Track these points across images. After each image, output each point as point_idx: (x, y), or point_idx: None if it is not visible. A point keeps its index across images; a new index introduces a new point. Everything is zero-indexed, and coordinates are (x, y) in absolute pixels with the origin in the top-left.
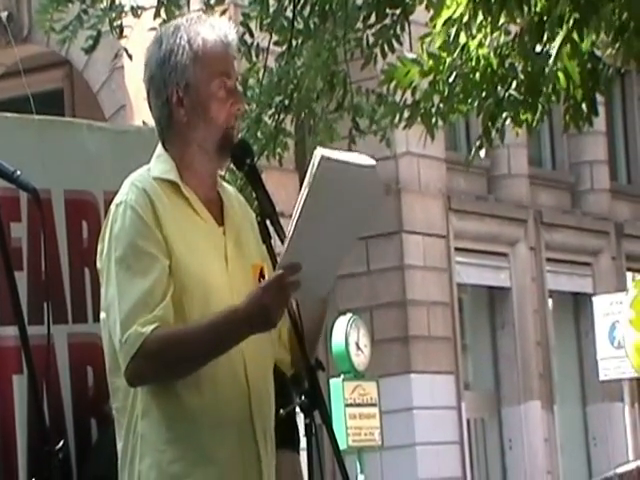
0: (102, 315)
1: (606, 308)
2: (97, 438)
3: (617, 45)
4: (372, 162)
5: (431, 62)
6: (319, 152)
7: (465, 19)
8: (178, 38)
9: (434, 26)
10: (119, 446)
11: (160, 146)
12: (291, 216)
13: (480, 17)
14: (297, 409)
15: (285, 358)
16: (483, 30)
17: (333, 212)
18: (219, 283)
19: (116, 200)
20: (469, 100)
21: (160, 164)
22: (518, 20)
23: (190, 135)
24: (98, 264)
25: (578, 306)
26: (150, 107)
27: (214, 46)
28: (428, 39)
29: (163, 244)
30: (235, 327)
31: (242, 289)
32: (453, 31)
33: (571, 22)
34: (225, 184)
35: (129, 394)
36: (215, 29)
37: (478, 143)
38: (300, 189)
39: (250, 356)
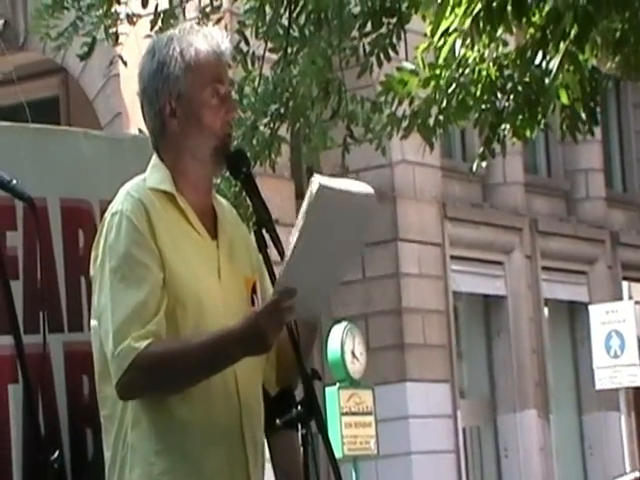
0: (93, 322)
1: (602, 317)
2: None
3: (616, 58)
4: (370, 190)
5: (429, 73)
6: (317, 180)
7: (464, 30)
8: (171, 49)
9: (432, 36)
10: (107, 454)
11: (155, 156)
12: (285, 224)
13: (480, 28)
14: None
15: (270, 376)
16: (482, 41)
17: (329, 238)
18: (212, 296)
19: (111, 209)
20: (467, 111)
21: (155, 174)
22: (515, 31)
23: (184, 144)
24: (91, 271)
25: (574, 314)
26: (144, 118)
27: (206, 56)
28: (424, 47)
29: (158, 255)
30: (229, 349)
31: (234, 302)
32: (458, 44)
33: (571, 36)
34: (219, 197)
35: (118, 403)
36: (208, 39)
37: (480, 154)
38: (295, 197)
39: (241, 368)
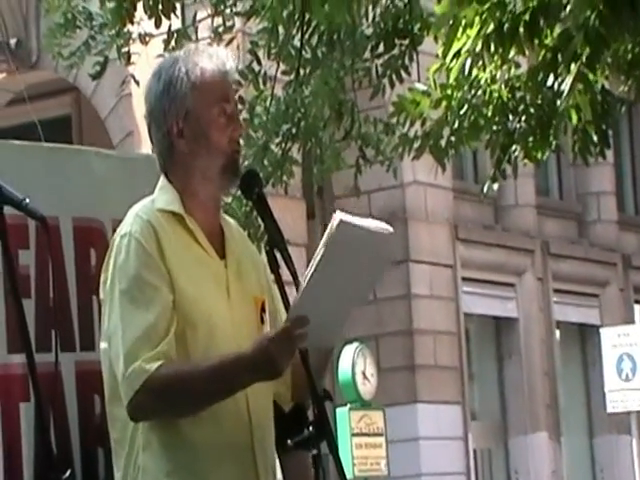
0: (103, 345)
1: (614, 340)
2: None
3: (629, 81)
4: (388, 228)
5: (441, 94)
6: (338, 216)
7: (477, 51)
8: (176, 70)
9: (444, 57)
10: (117, 476)
11: (163, 177)
12: (296, 244)
13: (491, 49)
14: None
15: (284, 393)
16: (494, 62)
17: (345, 272)
18: (222, 316)
19: (120, 231)
20: (479, 132)
21: (164, 195)
22: (528, 53)
23: (192, 164)
24: (101, 294)
25: (585, 337)
26: (152, 140)
27: (212, 75)
28: (436, 69)
29: (167, 276)
30: (240, 374)
31: (244, 321)
32: (468, 64)
33: (583, 58)
34: (226, 217)
35: (129, 425)
36: (213, 58)
37: (491, 176)
38: (306, 217)
39: (252, 389)
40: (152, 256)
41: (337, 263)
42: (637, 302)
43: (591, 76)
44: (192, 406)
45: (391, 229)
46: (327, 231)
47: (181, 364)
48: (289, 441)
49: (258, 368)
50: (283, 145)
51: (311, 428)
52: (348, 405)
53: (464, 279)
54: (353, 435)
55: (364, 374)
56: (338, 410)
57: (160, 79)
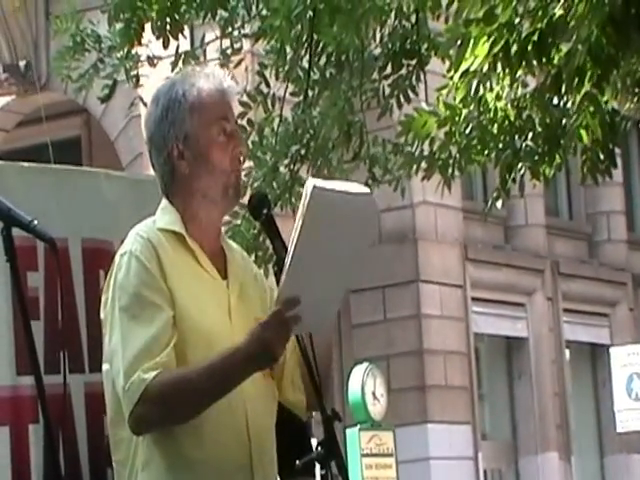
0: (105, 367)
1: (624, 359)
2: None
3: (636, 99)
4: (366, 190)
5: (448, 112)
6: (311, 182)
7: (484, 71)
8: (174, 93)
9: (451, 77)
10: None
11: (165, 199)
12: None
13: (499, 69)
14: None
15: (300, 401)
16: (501, 82)
17: (329, 242)
18: (222, 336)
19: (120, 250)
20: (486, 151)
21: (165, 215)
22: (536, 72)
23: (194, 186)
24: (102, 314)
25: (595, 357)
26: (153, 167)
27: (209, 94)
28: (445, 90)
29: (168, 294)
30: (237, 365)
31: None
32: (474, 84)
33: (593, 78)
34: (229, 240)
35: (131, 445)
36: (210, 78)
37: (495, 194)
38: None
39: (252, 408)
40: (152, 274)
41: (319, 234)
42: None
43: (600, 97)
44: (192, 407)
45: (368, 190)
46: (302, 200)
47: (178, 369)
48: (297, 462)
49: (254, 356)
50: (292, 166)
51: (320, 448)
52: (358, 426)
53: (474, 299)
54: (363, 456)
55: (374, 394)
56: (348, 430)
57: (158, 104)
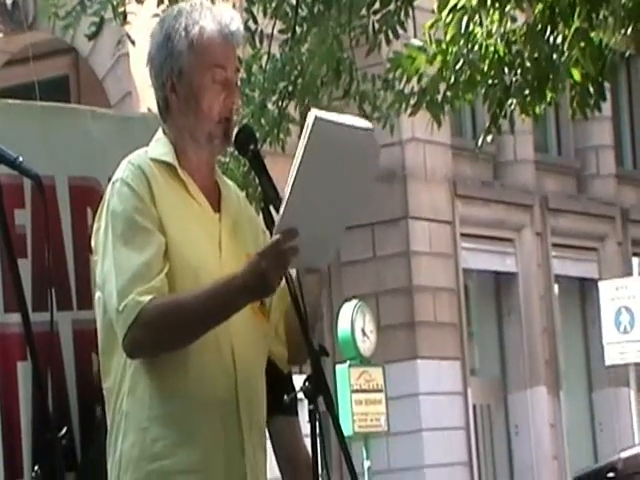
0: (97, 294)
1: (612, 293)
2: (99, 420)
3: (626, 32)
4: (368, 125)
5: (437, 49)
6: (313, 113)
7: (473, 7)
8: (177, 23)
9: (440, 12)
10: (108, 425)
11: (160, 130)
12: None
13: (488, 4)
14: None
15: (282, 354)
16: (490, 17)
17: (330, 175)
18: (211, 269)
19: (112, 178)
20: (475, 87)
21: (158, 147)
22: (524, 6)
23: (182, 122)
24: (92, 242)
25: (584, 291)
26: (153, 86)
27: (211, 36)
28: (431, 24)
29: (158, 221)
30: (233, 294)
31: None
32: (464, 21)
33: (583, 13)
34: (225, 178)
35: (118, 373)
36: (216, 18)
37: (486, 129)
38: None
39: (239, 344)
40: (144, 200)
41: (319, 166)
42: (635, 255)
43: (591, 32)
44: (187, 334)
45: (370, 125)
46: (304, 132)
47: (173, 294)
48: (285, 397)
49: (250, 285)
50: (280, 104)
51: (307, 383)
52: (348, 362)
53: (463, 235)
54: (353, 392)
55: (363, 331)
56: (338, 367)
57: (162, 28)
